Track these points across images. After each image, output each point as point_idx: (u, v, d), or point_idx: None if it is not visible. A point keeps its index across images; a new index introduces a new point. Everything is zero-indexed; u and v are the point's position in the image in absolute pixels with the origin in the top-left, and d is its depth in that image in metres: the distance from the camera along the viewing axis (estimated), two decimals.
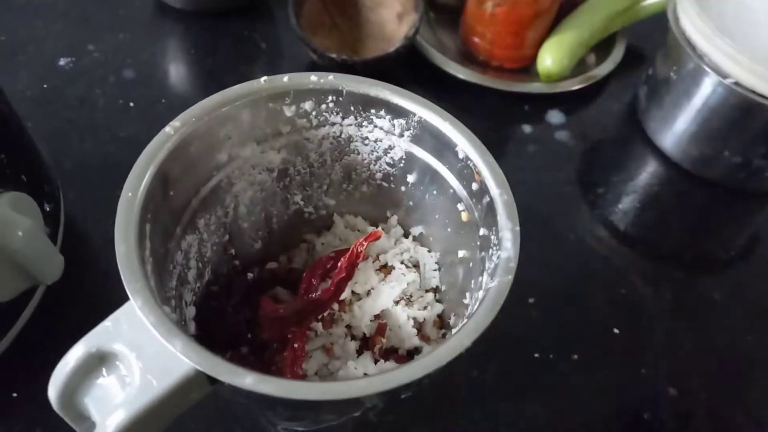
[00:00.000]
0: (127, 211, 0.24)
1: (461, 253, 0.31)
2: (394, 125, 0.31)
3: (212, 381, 0.22)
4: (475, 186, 0.28)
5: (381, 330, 0.32)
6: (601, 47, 0.59)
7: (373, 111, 0.30)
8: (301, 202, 0.35)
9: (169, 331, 0.21)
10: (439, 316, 0.34)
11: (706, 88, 0.47)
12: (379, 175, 0.34)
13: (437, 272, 0.34)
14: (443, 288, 0.34)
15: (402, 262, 0.34)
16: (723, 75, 0.46)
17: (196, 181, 0.29)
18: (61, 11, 0.57)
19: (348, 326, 0.33)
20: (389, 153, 0.32)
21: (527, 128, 0.54)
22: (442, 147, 0.29)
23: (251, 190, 0.33)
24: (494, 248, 0.26)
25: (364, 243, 0.32)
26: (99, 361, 0.23)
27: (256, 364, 0.31)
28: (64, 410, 0.24)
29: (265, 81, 0.29)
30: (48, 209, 0.38)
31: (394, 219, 0.35)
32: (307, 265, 0.36)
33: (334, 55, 0.49)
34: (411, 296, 0.33)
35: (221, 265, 0.34)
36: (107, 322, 0.23)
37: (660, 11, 0.55)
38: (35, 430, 0.35)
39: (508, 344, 0.41)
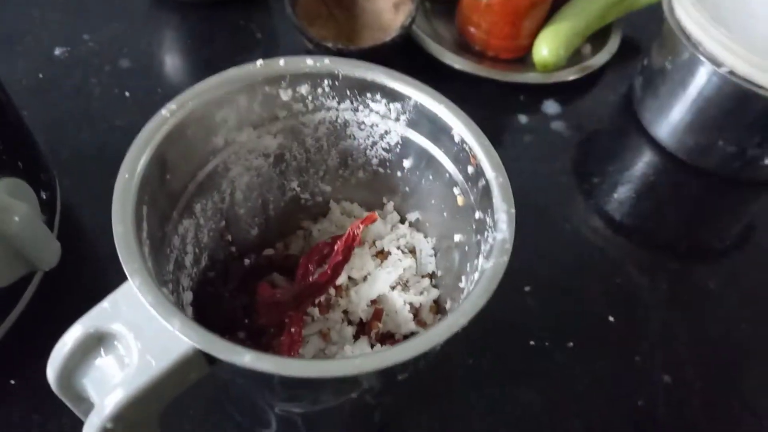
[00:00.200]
0: (125, 192, 0.24)
1: (457, 238, 0.31)
2: (390, 109, 0.31)
3: (210, 361, 0.22)
4: (470, 169, 0.28)
5: (378, 315, 0.33)
6: (597, 37, 0.59)
7: (369, 95, 0.31)
8: (298, 189, 0.35)
9: (167, 310, 0.21)
10: (435, 301, 0.34)
11: (701, 78, 0.48)
12: (375, 161, 0.34)
13: (433, 258, 0.34)
14: (439, 273, 0.34)
15: (398, 248, 0.34)
16: (718, 64, 0.46)
17: (193, 166, 0.29)
18: (57, 1, 0.57)
19: (345, 311, 0.33)
20: (385, 138, 0.32)
21: (523, 118, 0.54)
22: (438, 131, 0.30)
23: (248, 176, 0.33)
24: (490, 230, 0.26)
25: (360, 226, 0.32)
26: (97, 341, 0.23)
27: (253, 348, 0.31)
28: (63, 391, 0.24)
29: (261, 64, 0.29)
30: (45, 197, 0.38)
31: (390, 205, 0.35)
32: (304, 252, 0.36)
33: (330, 45, 0.49)
34: (407, 282, 0.33)
35: (218, 251, 0.34)
36: (105, 303, 0.23)
37: (655, 1, 0.56)
38: (33, 416, 0.35)
39: (504, 332, 0.41)
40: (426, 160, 0.31)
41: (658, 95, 0.52)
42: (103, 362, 0.23)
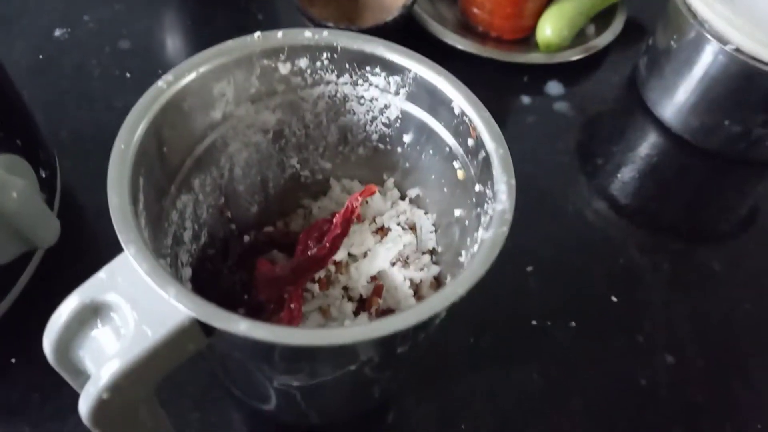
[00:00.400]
0: (120, 163, 0.24)
1: (457, 213, 0.31)
2: (389, 83, 0.30)
3: (208, 332, 0.22)
4: (470, 142, 0.28)
5: (378, 291, 0.32)
6: (601, 18, 0.58)
7: (368, 68, 0.30)
8: (297, 166, 0.35)
9: (162, 278, 0.21)
10: (436, 278, 0.34)
11: (707, 57, 0.47)
12: (375, 137, 0.33)
13: (434, 234, 0.34)
14: (440, 249, 0.34)
15: (398, 224, 0.34)
16: (724, 42, 0.45)
17: (191, 140, 0.29)
18: None
19: (345, 288, 0.33)
20: (385, 113, 0.32)
21: (526, 99, 0.54)
22: (438, 104, 0.29)
23: (246, 152, 0.32)
24: (489, 202, 0.26)
25: (359, 198, 0.32)
26: (93, 312, 0.23)
27: None
28: (60, 363, 0.23)
29: (259, 36, 0.29)
30: (44, 176, 0.38)
31: (390, 182, 0.35)
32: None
33: (331, 25, 0.49)
34: (408, 258, 0.33)
35: (218, 228, 0.33)
36: (101, 273, 0.23)
37: None
38: (33, 395, 0.35)
39: (506, 312, 0.41)
40: (426, 134, 0.31)
41: (663, 75, 0.52)
42: (100, 333, 0.23)
